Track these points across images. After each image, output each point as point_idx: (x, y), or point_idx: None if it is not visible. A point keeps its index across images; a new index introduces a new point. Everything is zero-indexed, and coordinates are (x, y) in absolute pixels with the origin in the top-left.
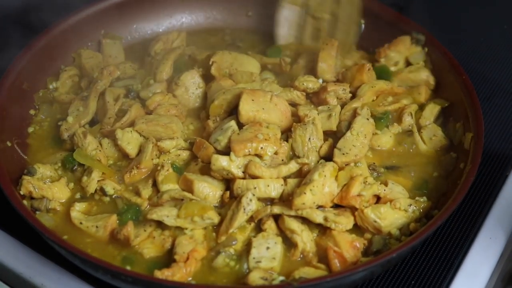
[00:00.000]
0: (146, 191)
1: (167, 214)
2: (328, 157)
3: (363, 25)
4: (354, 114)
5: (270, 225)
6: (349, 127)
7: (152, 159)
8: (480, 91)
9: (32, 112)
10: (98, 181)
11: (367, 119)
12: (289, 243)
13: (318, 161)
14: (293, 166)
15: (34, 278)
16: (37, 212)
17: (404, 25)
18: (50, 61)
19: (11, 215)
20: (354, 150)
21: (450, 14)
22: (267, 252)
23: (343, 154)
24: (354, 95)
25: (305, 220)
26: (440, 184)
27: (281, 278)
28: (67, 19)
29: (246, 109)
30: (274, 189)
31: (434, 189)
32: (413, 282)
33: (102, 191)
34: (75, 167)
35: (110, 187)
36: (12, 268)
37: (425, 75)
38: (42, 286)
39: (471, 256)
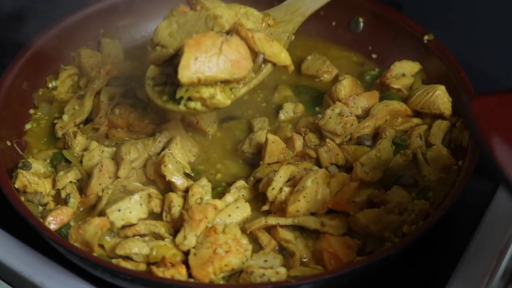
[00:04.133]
0: None
1: (136, 252)
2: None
3: (361, 24)
4: (374, 130)
5: (265, 238)
6: (371, 142)
7: (100, 184)
8: (480, 89)
9: (32, 111)
10: (71, 182)
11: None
12: (284, 251)
13: None
14: None
15: (34, 276)
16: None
17: (403, 23)
18: (50, 60)
19: (10, 214)
20: (373, 173)
21: (448, 12)
22: (265, 264)
23: (365, 172)
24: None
25: (296, 227)
26: (443, 188)
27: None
28: (67, 18)
29: (187, 75)
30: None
31: (436, 194)
32: (412, 280)
33: (67, 196)
34: (62, 163)
35: (75, 199)
36: (12, 266)
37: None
38: (42, 284)
39: (468, 254)
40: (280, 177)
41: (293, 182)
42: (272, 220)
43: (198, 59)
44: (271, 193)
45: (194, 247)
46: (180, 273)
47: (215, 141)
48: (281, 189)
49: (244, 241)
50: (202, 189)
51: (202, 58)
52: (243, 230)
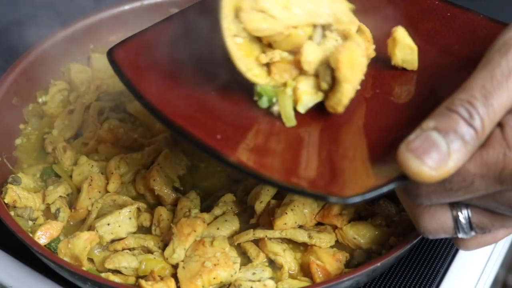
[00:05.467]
0: None
1: (125, 266)
2: None
3: None
4: None
5: (253, 251)
6: None
7: (90, 198)
8: None
9: (22, 126)
10: (61, 196)
11: None
12: (272, 264)
13: None
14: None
15: None
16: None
17: None
18: (40, 75)
19: (0, 228)
20: None
21: None
22: (253, 277)
23: None
24: None
25: (284, 239)
26: None
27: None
28: (57, 34)
29: (345, 105)
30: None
31: None
32: (407, 276)
33: (57, 211)
34: (52, 178)
35: (65, 214)
36: (1, 281)
37: None
38: None
39: (456, 266)
40: (268, 190)
41: (281, 195)
42: (260, 233)
43: (353, 86)
44: (259, 207)
45: (182, 261)
46: (168, 287)
47: (204, 155)
48: (269, 202)
49: (233, 254)
50: (191, 202)
51: (355, 85)
52: (232, 243)
